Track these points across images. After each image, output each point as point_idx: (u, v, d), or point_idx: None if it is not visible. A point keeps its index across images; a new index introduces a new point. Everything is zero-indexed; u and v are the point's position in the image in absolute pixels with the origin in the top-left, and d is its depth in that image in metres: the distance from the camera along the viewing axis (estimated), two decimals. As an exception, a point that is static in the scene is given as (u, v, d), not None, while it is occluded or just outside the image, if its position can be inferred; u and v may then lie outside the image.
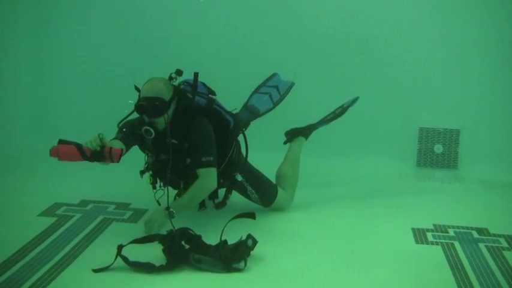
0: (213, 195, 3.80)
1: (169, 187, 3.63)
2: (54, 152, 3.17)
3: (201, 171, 3.55)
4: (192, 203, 3.62)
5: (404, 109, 5.12)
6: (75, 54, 5.46)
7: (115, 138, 3.47)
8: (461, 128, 5.02)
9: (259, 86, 4.54)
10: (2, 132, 5.13)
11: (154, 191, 3.75)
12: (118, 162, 3.28)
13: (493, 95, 4.97)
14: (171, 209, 3.47)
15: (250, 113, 4.31)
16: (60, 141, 3.20)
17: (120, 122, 3.63)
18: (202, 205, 3.82)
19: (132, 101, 3.54)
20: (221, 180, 3.80)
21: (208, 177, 3.56)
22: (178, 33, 5.24)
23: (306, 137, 4.44)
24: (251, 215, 3.50)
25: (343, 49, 5.10)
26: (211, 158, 3.55)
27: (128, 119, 3.65)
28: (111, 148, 3.22)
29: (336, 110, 4.51)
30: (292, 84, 4.55)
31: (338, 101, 5.05)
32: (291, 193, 4.17)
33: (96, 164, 4.56)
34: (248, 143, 3.84)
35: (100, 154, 3.20)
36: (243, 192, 3.98)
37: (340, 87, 5.14)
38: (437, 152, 5.06)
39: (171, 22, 5.25)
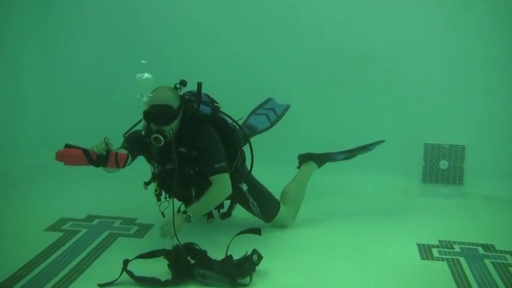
0: (219, 205, 3.82)
1: (174, 198, 3.63)
2: (60, 156, 3.17)
3: (215, 178, 3.54)
4: (208, 208, 3.62)
5: (409, 125, 5.12)
6: (84, 68, 5.50)
7: (121, 148, 3.47)
8: (466, 144, 5.01)
9: (256, 109, 4.59)
10: (10, 147, 5.16)
11: (159, 203, 3.75)
12: (123, 167, 3.28)
13: (498, 111, 4.97)
14: (188, 213, 3.45)
15: (249, 129, 4.32)
16: (67, 146, 3.21)
17: (126, 133, 3.64)
18: (210, 216, 3.83)
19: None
20: None
21: (223, 183, 3.55)
22: (183, 48, 5.29)
23: (319, 165, 4.43)
24: (257, 231, 3.51)
25: (349, 65, 5.12)
26: (223, 164, 3.55)
27: (133, 129, 3.65)
28: (116, 153, 3.23)
29: (359, 147, 4.53)
30: (288, 106, 4.60)
31: (345, 117, 5.14)
32: (294, 212, 4.14)
33: (102, 178, 4.60)
34: (254, 156, 3.86)
35: (105, 158, 3.20)
36: (245, 203, 3.97)
37: (346, 103, 5.18)
38: (443, 168, 5.06)
39: (176, 34, 5.30)
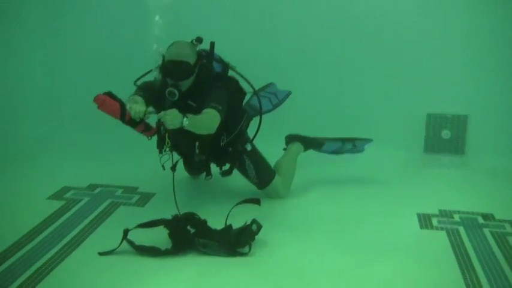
0: (222, 162, 3.93)
1: (176, 153, 3.72)
2: (99, 100, 3.23)
3: (207, 110, 3.46)
4: (196, 125, 3.38)
5: (412, 95, 5.07)
6: (85, 43, 5.46)
7: (135, 95, 3.53)
8: (469, 114, 5.00)
9: (258, 91, 4.54)
10: (14, 120, 5.17)
11: (161, 155, 3.66)
12: (149, 139, 3.48)
13: (501, 81, 4.90)
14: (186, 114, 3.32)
15: (252, 109, 4.28)
16: (108, 94, 3.25)
17: (136, 80, 3.71)
18: (208, 173, 3.90)
19: (158, 48, 3.59)
20: (230, 149, 3.87)
21: (213, 115, 3.46)
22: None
23: (305, 149, 4.45)
24: (256, 201, 3.54)
25: (351, 37, 5.06)
26: (220, 108, 3.51)
27: (144, 78, 3.73)
28: (147, 124, 3.31)
29: (347, 141, 4.52)
30: (289, 93, 4.58)
31: (348, 91, 5.14)
32: (287, 183, 4.17)
33: (104, 148, 4.65)
34: (250, 129, 3.96)
35: (136, 123, 3.29)
36: (241, 166, 3.98)
37: (348, 75, 5.14)
38: (445, 138, 5.04)
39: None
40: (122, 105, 3.29)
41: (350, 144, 4.52)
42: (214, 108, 3.48)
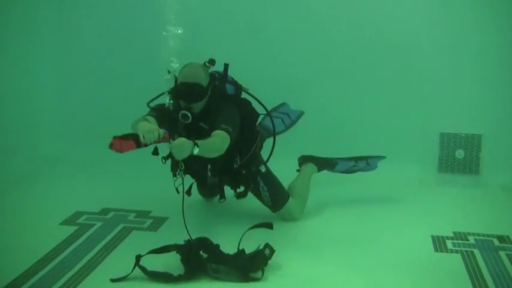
0: (236, 185, 3.90)
1: (189, 176, 3.73)
2: (117, 147, 3.22)
3: (217, 132, 3.46)
4: (207, 150, 3.36)
5: (425, 114, 5.07)
6: (98, 62, 5.52)
7: (149, 115, 3.55)
8: (483, 133, 4.96)
9: (270, 111, 4.54)
10: (25, 141, 5.21)
11: (175, 178, 3.71)
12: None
13: (515, 100, 4.92)
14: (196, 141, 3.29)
15: (265, 130, 4.29)
16: (120, 137, 3.25)
17: (149, 102, 3.72)
18: (221, 196, 3.89)
19: (167, 77, 3.61)
20: (243, 171, 3.86)
21: (222, 137, 3.44)
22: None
23: (319, 169, 4.43)
24: (269, 225, 3.51)
25: (363, 56, 5.09)
26: (230, 130, 3.50)
27: (157, 99, 3.75)
28: (161, 140, 3.28)
29: (360, 160, 4.51)
30: (302, 113, 4.61)
31: (361, 110, 5.14)
32: (302, 205, 4.15)
33: (116, 172, 4.64)
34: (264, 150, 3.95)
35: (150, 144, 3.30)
36: (255, 188, 3.97)
37: (361, 94, 5.15)
38: (459, 157, 5.01)
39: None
40: (137, 140, 3.28)
41: (363, 163, 4.51)
42: (225, 130, 3.48)
